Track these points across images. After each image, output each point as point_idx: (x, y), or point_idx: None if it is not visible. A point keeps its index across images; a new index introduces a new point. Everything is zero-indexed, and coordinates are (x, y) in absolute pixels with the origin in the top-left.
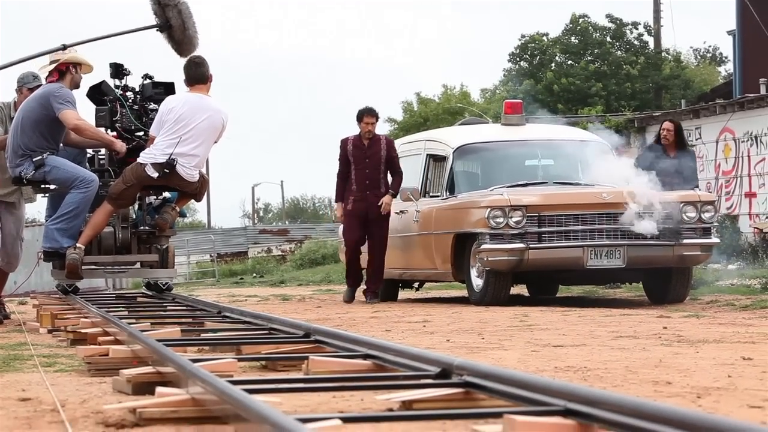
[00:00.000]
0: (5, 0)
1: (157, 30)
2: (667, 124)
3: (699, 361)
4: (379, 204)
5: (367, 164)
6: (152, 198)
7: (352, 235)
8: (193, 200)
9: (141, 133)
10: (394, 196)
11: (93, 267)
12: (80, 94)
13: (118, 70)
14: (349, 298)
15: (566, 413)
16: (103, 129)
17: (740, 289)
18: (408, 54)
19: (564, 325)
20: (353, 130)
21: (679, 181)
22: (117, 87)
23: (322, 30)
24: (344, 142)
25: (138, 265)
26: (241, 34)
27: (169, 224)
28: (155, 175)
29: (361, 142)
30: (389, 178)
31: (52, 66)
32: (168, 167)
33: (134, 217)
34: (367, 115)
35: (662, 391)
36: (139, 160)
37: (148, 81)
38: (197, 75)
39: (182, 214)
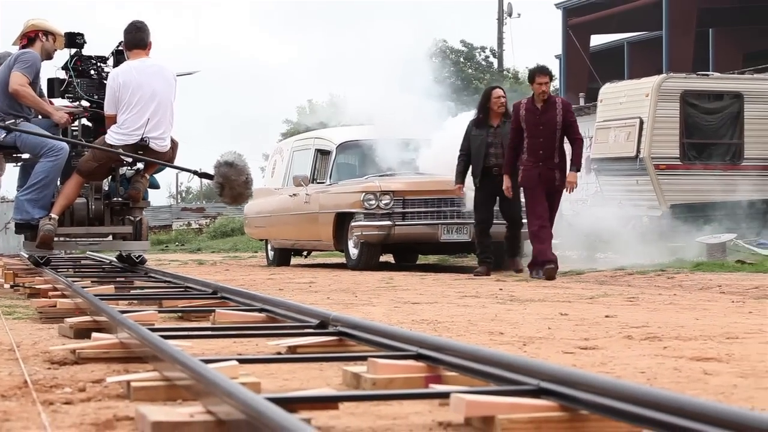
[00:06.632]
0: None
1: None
2: (498, 91)
3: (526, 316)
4: (565, 186)
5: (541, 132)
6: (125, 169)
7: (537, 208)
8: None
9: None
10: (578, 170)
11: (65, 239)
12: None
13: (72, 40)
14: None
15: (418, 357)
16: (66, 100)
17: (562, 259)
18: (300, 63)
19: (421, 287)
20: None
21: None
22: (73, 57)
23: (226, 29)
24: (516, 107)
25: (110, 237)
26: (162, 30)
27: (141, 193)
28: (129, 160)
29: (535, 105)
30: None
31: (21, 34)
32: (142, 149)
33: (107, 188)
34: (539, 74)
35: (496, 339)
36: (108, 140)
37: (116, 49)
38: (137, 40)
39: (154, 185)
